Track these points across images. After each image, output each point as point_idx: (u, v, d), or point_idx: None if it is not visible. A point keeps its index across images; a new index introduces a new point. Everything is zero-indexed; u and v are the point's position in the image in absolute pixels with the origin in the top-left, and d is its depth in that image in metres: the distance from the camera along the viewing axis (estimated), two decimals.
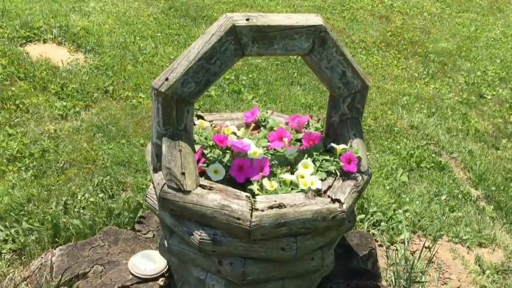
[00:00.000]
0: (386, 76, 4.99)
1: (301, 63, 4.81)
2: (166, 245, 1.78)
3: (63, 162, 2.81)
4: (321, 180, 1.74)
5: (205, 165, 1.80)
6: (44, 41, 4.30)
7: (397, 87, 4.82)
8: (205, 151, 1.89)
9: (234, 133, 2.01)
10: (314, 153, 1.81)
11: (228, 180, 1.76)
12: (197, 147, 1.88)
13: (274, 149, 1.95)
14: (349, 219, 1.77)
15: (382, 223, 2.88)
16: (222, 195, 1.61)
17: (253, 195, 1.70)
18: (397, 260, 2.57)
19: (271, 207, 1.59)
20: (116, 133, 3.17)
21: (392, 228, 2.85)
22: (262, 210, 1.57)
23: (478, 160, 3.88)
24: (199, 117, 2.11)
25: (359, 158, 1.80)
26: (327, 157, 1.80)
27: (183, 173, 1.62)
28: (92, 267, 2.01)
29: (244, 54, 1.62)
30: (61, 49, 4.25)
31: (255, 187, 1.71)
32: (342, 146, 1.79)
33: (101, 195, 2.60)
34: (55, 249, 2.16)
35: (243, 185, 1.76)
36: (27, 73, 3.68)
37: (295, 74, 4.57)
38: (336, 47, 1.72)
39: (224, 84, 4.08)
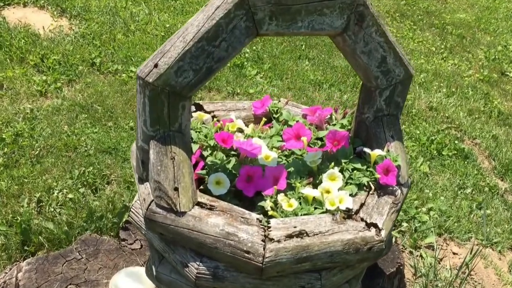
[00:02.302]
0: None
1: None
2: (154, 272, 1.42)
3: (39, 148, 2.43)
4: (351, 195, 1.38)
5: (204, 171, 1.43)
6: (24, 5, 3.85)
7: (413, 62, 4.41)
8: (205, 153, 1.51)
9: (241, 130, 1.63)
10: (343, 160, 1.44)
11: (234, 193, 1.40)
12: (194, 147, 1.51)
13: (289, 150, 1.57)
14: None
15: (404, 223, 2.53)
16: (227, 218, 1.24)
17: (265, 213, 1.34)
18: (424, 271, 2.23)
19: (289, 236, 1.23)
20: (102, 114, 2.78)
21: (415, 230, 2.51)
22: (279, 241, 1.21)
23: (504, 147, 3.51)
24: (198, 106, 1.73)
25: (399, 167, 1.43)
26: (359, 165, 1.43)
27: (176, 189, 1.25)
28: (66, 287, 1.66)
29: (259, 33, 1.23)
30: (43, 13, 3.80)
31: (267, 204, 1.35)
32: (378, 152, 1.42)
33: (82, 190, 2.23)
34: (22, 261, 1.80)
35: (252, 199, 1.40)
36: (3, 41, 3.25)
37: (303, 46, 4.14)
38: (377, 25, 1.33)
39: None
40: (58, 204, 2.12)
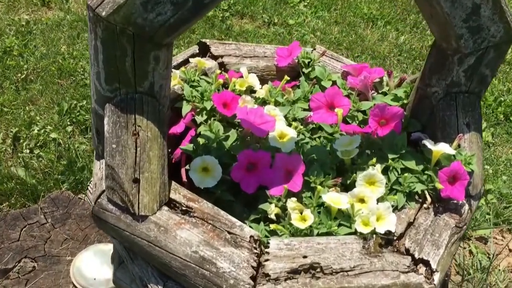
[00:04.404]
0: None
1: None
2: (112, 276, 1.06)
3: (27, 71, 2.05)
4: (396, 209, 0.94)
5: (191, 147, 1.01)
6: None
7: None
8: (198, 118, 1.09)
9: (252, 89, 1.18)
10: (389, 155, 0.99)
11: (229, 183, 0.98)
12: (186, 107, 1.09)
13: (316, 125, 1.13)
14: None
15: None
16: (206, 231, 0.84)
17: (265, 218, 0.93)
18: (472, 272, 1.81)
19: (294, 272, 0.82)
20: None
21: None
22: (276, 280, 0.80)
23: None
24: (203, 47, 1.28)
25: (471, 174, 0.97)
26: (412, 165, 0.98)
27: (136, 180, 0.85)
28: (19, 261, 1.33)
29: None
30: None
31: (272, 211, 0.93)
32: (444, 148, 0.96)
33: (69, 128, 1.86)
34: None
35: (253, 194, 0.98)
36: None
37: None
38: None
39: None
40: (37, 145, 1.77)
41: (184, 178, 1.03)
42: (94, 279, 1.29)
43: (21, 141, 1.78)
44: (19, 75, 2.02)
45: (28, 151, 1.73)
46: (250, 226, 0.94)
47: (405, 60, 2.82)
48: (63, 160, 1.70)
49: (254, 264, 0.81)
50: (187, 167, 1.02)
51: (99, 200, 0.88)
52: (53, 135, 1.80)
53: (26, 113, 1.88)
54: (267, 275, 0.80)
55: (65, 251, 1.37)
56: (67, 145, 1.77)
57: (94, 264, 1.31)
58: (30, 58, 2.11)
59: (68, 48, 2.21)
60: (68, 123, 1.88)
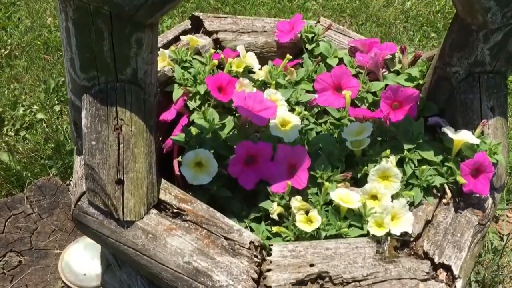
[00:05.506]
0: None
1: None
2: (100, 279, 0.97)
3: (11, 46, 1.92)
4: (412, 205, 0.85)
5: (182, 137, 0.91)
6: None
7: None
8: (191, 104, 0.98)
9: (251, 70, 1.06)
10: (405, 145, 0.88)
11: (226, 178, 0.88)
12: (177, 92, 0.98)
13: (321, 108, 1.02)
14: None
15: None
16: (200, 238, 0.75)
17: (266, 217, 0.84)
18: (483, 252, 1.73)
19: (300, 283, 0.73)
20: None
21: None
22: None
23: None
24: (196, 22, 1.16)
25: (496, 163, 0.87)
26: (431, 155, 0.88)
27: (119, 182, 0.74)
28: (4, 255, 1.25)
29: None
30: None
31: (274, 209, 0.83)
32: (467, 136, 0.85)
33: (57, 107, 1.74)
34: None
35: (253, 192, 0.89)
36: None
37: None
38: None
39: None
40: (23, 126, 1.66)
41: (177, 171, 0.93)
42: (84, 274, 1.20)
43: (5, 122, 1.67)
44: (3, 50, 1.89)
45: (13, 133, 1.63)
46: (250, 226, 0.85)
47: (412, 27, 2.68)
48: (51, 143, 1.60)
49: (255, 276, 0.72)
50: (179, 158, 0.92)
51: (79, 203, 0.78)
52: (39, 115, 1.69)
53: (10, 92, 1.76)
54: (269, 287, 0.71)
55: (53, 243, 1.28)
56: (54, 126, 1.67)
57: (84, 258, 1.22)
58: (14, 32, 1.98)
59: (55, 20, 2.07)
60: (56, 102, 1.77)
